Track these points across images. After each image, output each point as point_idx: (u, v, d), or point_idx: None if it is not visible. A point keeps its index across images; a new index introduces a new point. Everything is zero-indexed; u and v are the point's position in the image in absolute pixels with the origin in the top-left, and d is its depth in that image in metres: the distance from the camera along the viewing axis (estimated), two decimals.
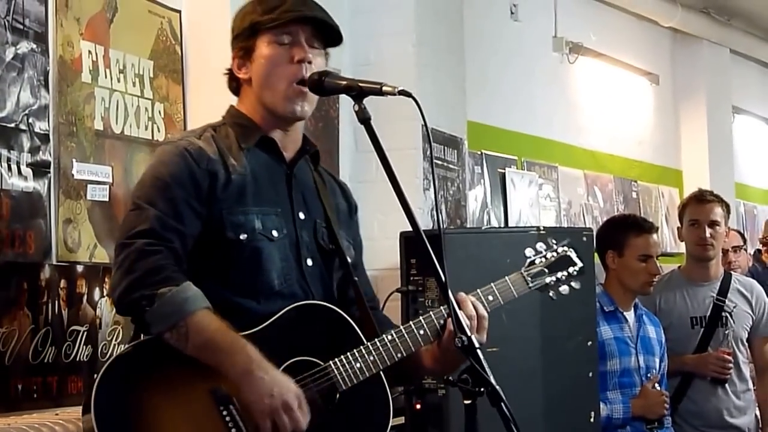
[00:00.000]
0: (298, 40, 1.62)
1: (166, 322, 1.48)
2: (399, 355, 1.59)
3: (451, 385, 1.56)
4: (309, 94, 1.63)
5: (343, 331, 1.61)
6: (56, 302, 2.17)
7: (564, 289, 1.78)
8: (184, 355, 1.49)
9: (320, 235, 1.67)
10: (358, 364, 1.56)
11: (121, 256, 1.52)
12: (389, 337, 1.59)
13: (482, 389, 1.49)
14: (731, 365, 3.04)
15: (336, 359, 1.56)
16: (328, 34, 1.66)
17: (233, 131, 1.64)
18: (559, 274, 1.77)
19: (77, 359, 2.21)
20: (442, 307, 1.63)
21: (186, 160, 1.58)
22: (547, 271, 1.77)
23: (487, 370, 1.49)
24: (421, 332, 1.61)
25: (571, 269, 1.78)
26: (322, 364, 1.55)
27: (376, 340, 1.60)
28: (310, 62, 1.62)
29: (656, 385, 2.89)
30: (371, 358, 1.57)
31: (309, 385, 1.53)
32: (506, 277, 1.74)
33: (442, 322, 1.62)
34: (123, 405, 1.45)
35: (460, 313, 1.55)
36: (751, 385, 3.16)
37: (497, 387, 1.47)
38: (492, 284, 1.71)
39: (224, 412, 1.48)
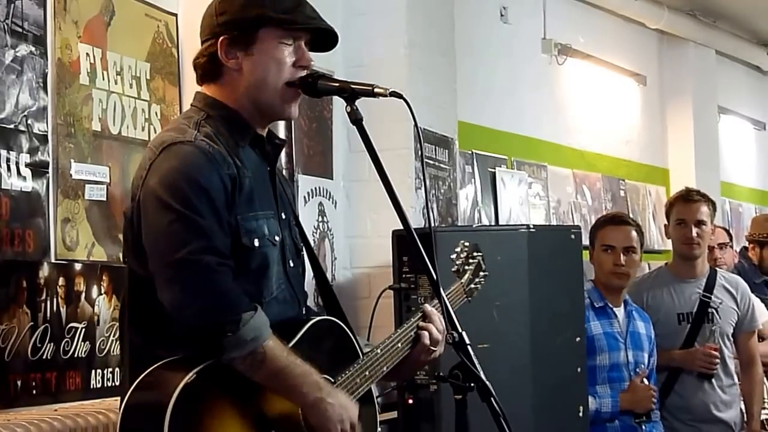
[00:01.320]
0: (301, 45, 1.61)
1: (248, 348, 1.45)
2: (386, 367, 1.64)
3: (443, 380, 1.60)
4: (299, 97, 1.63)
5: (344, 345, 1.66)
6: (55, 300, 2.19)
7: (476, 293, 1.89)
8: (237, 380, 1.47)
9: (294, 233, 1.68)
10: (357, 380, 1.59)
11: (186, 273, 1.45)
12: (379, 351, 1.63)
13: (473, 384, 1.53)
14: (717, 360, 3.08)
15: (341, 375, 1.58)
16: (320, 41, 1.66)
17: (223, 126, 1.58)
18: (476, 280, 1.90)
19: (75, 355, 2.23)
20: (415, 317, 1.69)
21: (213, 164, 1.51)
22: (472, 278, 1.89)
23: (478, 365, 1.53)
24: (399, 345, 1.66)
25: (482, 274, 1.90)
26: (332, 380, 1.57)
27: (369, 354, 1.64)
28: (310, 67, 1.62)
29: (644, 379, 2.93)
30: (366, 372, 1.61)
31: None
32: (452, 287, 1.81)
33: (413, 333, 1.68)
34: None
35: (449, 308, 1.57)
36: (736, 380, 3.20)
37: (487, 382, 1.51)
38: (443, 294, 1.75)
39: None
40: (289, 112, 1.63)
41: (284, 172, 2.85)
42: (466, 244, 1.89)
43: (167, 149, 1.55)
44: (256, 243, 1.55)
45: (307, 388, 1.49)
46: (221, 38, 1.60)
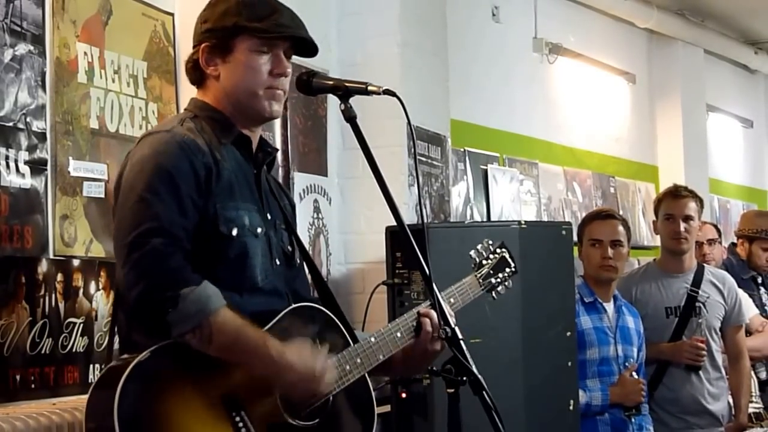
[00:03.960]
0: (278, 54, 1.63)
1: (191, 323, 1.46)
2: (381, 356, 1.63)
3: (435, 374, 1.63)
4: (281, 96, 1.65)
5: (331, 332, 1.65)
6: (53, 295, 2.21)
7: (502, 288, 1.86)
8: (198, 359, 1.48)
9: (280, 236, 1.69)
10: (347, 366, 1.59)
11: (135, 254, 1.48)
12: (372, 340, 1.63)
13: (465, 378, 1.55)
14: (705, 352, 3.13)
15: None
16: (302, 46, 1.68)
17: (208, 125, 1.62)
18: (501, 275, 1.86)
19: (73, 350, 2.25)
20: (414, 309, 1.69)
21: (186, 151, 1.55)
22: (492, 272, 1.85)
23: (470, 359, 1.56)
24: (398, 335, 1.65)
25: (507, 270, 1.87)
26: None
27: (361, 342, 1.64)
28: (287, 76, 1.64)
29: (634, 373, 2.96)
30: (358, 360, 1.61)
31: None
32: (463, 280, 1.80)
33: (413, 323, 1.67)
34: (142, 411, 1.44)
35: (441, 303, 1.60)
36: (724, 373, 3.25)
37: (479, 376, 1.54)
38: (452, 288, 1.77)
39: (236, 418, 1.50)
40: (272, 111, 1.65)
41: (280, 170, 2.88)
42: (490, 241, 1.87)
43: (144, 138, 1.61)
44: (235, 232, 1.58)
45: (261, 362, 1.49)
46: (203, 46, 1.65)
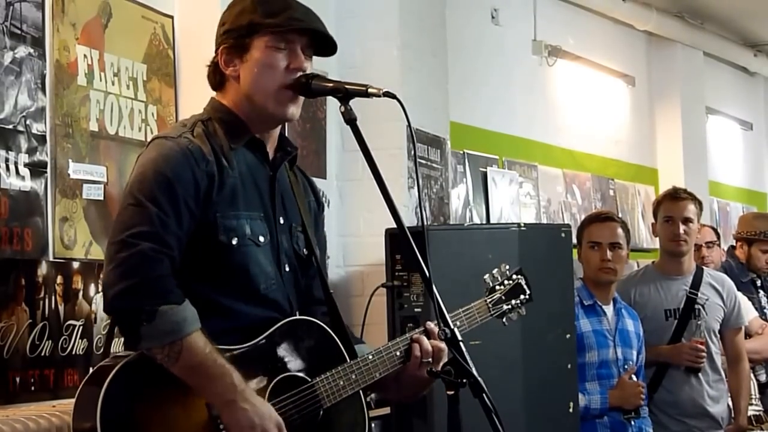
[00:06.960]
0: (295, 49, 1.63)
1: (162, 340, 1.47)
2: (378, 374, 1.62)
3: (435, 376, 1.62)
4: (299, 98, 1.64)
5: (327, 347, 1.65)
6: (53, 297, 2.22)
7: (514, 315, 1.84)
8: None
9: (295, 239, 1.68)
10: (341, 382, 1.59)
11: (121, 254, 1.48)
12: (370, 357, 1.63)
13: (464, 380, 1.53)
14: (704, 354, 3.13)
15: (321, 376, 1.59)
16: (320, 44, 1.67)
17: (220, 128, 1.62)
18: (514, 302, 1.84)
19: (73, 353, 2.26)
20: (416, 329, 1.67)
21: (188, 159, 1.55)
22: (504, 298, 1.83)
23: (470, 362, 1.54)
24: (398, 353, 1.64)
25: (522, 297, 1.85)
26: (309, 380, 1.58)
27: (358, 359, 1.63)
28: (304, 71, 1.63)
29: (633, 376, 2.96)
30: (353, 376, 1.60)
31: (296, 402, 1.56)
32: (472, 304, 1.78)
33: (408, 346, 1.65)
34: (127, 414, 1.45)
35: (441, 305, 1.57)
36: (723, 375, 3.25)
37: (479, 378, 1.52)
38: (460, 310, 1.76)
39: (221, 426, 1.50)
40: (285, 113, 1.65)
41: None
42: (507, 266, 1.84)
43: (152, 143, 1.63)
44: (234, 241, 1.58)
45: (221, 388, 1.48)
46: (221, 47, 1.65)
